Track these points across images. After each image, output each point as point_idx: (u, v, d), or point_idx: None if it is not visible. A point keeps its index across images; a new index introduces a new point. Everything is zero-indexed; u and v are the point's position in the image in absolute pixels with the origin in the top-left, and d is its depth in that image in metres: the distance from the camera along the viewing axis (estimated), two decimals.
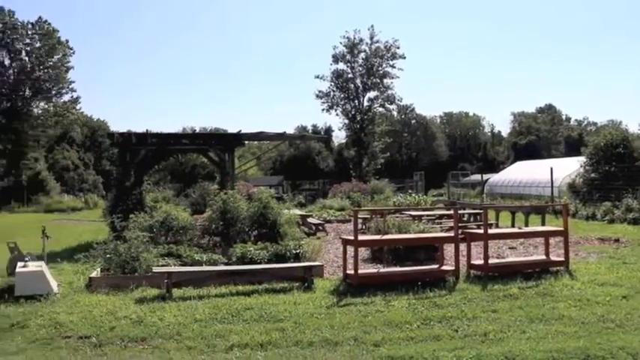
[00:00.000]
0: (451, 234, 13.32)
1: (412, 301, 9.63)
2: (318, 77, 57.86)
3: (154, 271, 11.42)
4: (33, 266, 11.09)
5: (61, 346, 7.71)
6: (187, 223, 16.53)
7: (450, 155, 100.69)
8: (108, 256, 12.45)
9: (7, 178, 59.70)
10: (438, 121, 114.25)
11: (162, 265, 12.19)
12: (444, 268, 11.96)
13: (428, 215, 20.39)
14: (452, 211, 16.02)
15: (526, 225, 19.72)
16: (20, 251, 12.89)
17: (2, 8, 58.86)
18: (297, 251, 13.43)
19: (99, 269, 12.38)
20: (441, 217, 20.98)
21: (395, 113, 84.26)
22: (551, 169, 30.98)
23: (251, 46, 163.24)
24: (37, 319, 8.90)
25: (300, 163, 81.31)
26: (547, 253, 13.14)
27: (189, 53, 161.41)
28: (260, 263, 12.63)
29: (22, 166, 58.94)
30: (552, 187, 30.98)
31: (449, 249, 12.98)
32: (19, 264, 11.29)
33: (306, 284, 10.92)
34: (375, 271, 12.40)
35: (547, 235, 13.78)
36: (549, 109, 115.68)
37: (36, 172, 58.55)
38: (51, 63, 60.57)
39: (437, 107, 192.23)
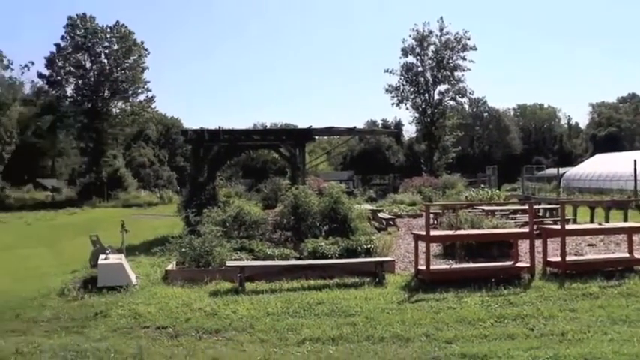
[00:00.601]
0: (526, 230, 12.93)
1: (485, 298, 9.42)
2: (387, 71, 57.47)
3: (227, 264, 11.65)
4: (113, 259, 11.54)
5: (140, 336, 8.00)
6: (259, 217, 16.74)
7: (524, 149, 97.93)
8: (183, 249, 12.79)
9: (88, 174, 62.41)
10: (512, 113, 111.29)
11: (236, 259, 12.40)
12: (519, 264, 11.63)
13: (501, 210, 19.88)
14: (527, 206, 15.57)
15: (606, 221, 18.90)
16: (102, 244, 13.41)
17: (84, 15, 61.51)
18: (369, 246, 13.38)
19: (174, 262, 12.74)
20: (515, 212, 20.39)
21: (466, 106, 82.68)
22: (635, 161, 29.48)
23: (320, 41, 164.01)
24: (117, 309, 9.26)
25: (371, 157, 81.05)
26: (630, 251, 12.53)
27: (259, 50, 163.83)
28: (331, 258, 12.66)
29: (102, 163, 61.37)
30: (636, 180, 29.54)
31: (523, 245, 12.63)
32: (101, 256, 11.76)
33: (377, 279, 10.87)
34: (448, 266, 12.21)
35: (630, 231, 13.14)
36: (632, 98, 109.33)
37: (115, 168, 60.86)
38: (127, 64, 62.73)
39: (510, 99, 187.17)
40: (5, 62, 68.03)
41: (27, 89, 71.29)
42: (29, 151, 73.05)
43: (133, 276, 11.31)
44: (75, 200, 53.66)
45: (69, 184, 69.12)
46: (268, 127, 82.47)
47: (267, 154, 58.61)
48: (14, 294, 10.68)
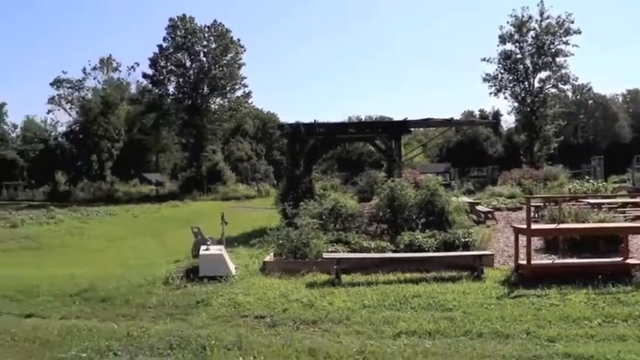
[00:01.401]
0: (638, 224, 12.18)
1: (591, 295, 8.92)
2: (484, 60, 55.85)
3: (323, 256, 11.75)
4: (214, 250, 11.91)
5: (239, 324, 8.23)
6: (355, 210, 16.76)
7: (634, 137, 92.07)
8: (280, 241, 13.03)
9: (189, 169, 64.86)
10: (620, 99, 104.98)
11: (332, 252, 12.49)
12: (630, 261, 10.94)
13: (609, 203, 18.82)
14: (638, 199, 14.65)
15: None
16: (203, 236, 13.87)
17: (184, 16, 63.94)
18: (466, 240, 13.08)
19: (272, 254, 12.99)
20: (624, 205, 19.24)
21: (569, 94, 79.13)
22: None
23: (415, 31, 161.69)
24: (218, 298, 9.57)
25: (468, 149, 79.10)
26: None
27: (353, 42, 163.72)
28: (428, 251, 12.48)
29: (202, 157, 63.58)
30: None
31: (634, 241, 11.90)
32: (202, 247, 12.17)
33: (475, 273, 10.60)
34: (550, 262, 11.70)
35: None
36: None
37: (214, 163, 62.89)
38: (225, 61, 64.58)
39: (618, 84, 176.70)
40: (114, 65, 72.15)
41: (133, 89, 75.30)
42: (135, 148, 76.94)
43: (232, 267, 11.63)
44: (177, 193, 55.91)
45: (171, 178, 72.03)
46: (363, 119, 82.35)
47: (362, 146, 58.60)
48: (124, 281, 11.26)
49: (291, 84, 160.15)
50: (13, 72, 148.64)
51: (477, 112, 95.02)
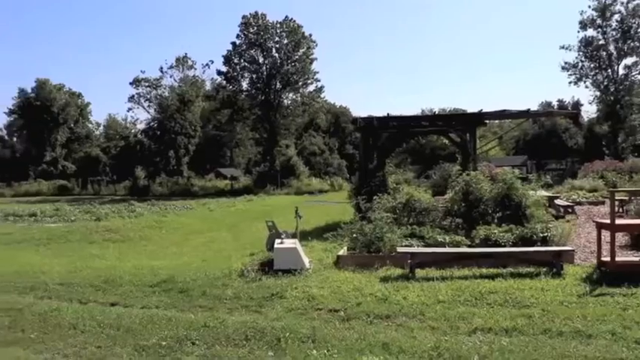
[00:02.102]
0: None
1: None
2: (563, 48, 53.93)
3: (397, 251, 11.66)
4: (288, 243, 12.03)
5: (313, 317, 8.28)
6: (429, 204, 16.55)
7: None
8: (354, 235, 13.02)
9: (263, 164, 65.89)
10: None
11: (406, 246, 12.38)
12: None
13: None
14: None
15: None
16: (277, 229, 14.02)
17: (256, 13, 64.97)
18: (545, 235, 12.66)
19: (345, 248, 13.01)
20: None
21: None
22: None
23: (490, 20, 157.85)
24: (292, 291, 9.66)
25: (546, 141, 76.58)
26: None
27: (425, 35, 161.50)
28: (504, 246, 12.17)
29: (276, 152, 64.45)
30: None
31: None
32: (277, 241, 12.31)
33: (554, 270, 10.25)
34: (637, 259, 11.18)
35: None
36: None
37: (287, 157, 63.66)
38: (297, 57, 65.18)
39: None
40: (189, 63, 74.15)
41: (208, 86, 77.07)
42: (211, 143, 78.86)
43: (306, 260, 11.72)
44: (251, 188, 56.91)
45: (246, 173, 73.36)
46: (437, 112, 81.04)
47: (436, 139, 57.76)
48: (201, 273, 11.56)
49: (363, 78, 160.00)
50: (97, 73, 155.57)
51: (555, 103, 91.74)
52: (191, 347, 7.18)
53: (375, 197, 16.34)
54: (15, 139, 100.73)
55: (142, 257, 16.07)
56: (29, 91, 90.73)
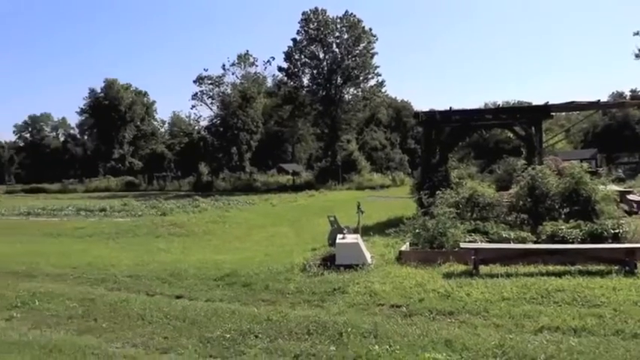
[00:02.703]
0: None
1: None
2: (637, 34, 51.51)
3: (461, 246, 11.48)
4: (350, 238, 12.04)
5: (375, 312, 8.26)
6: (493, 199, 16.21)
7: None
8: (416, 231, 12.90)
9: (324, 159, 66.07)
10: None
11: (469, 241, 12.16)
12: None
13: None
14: None
15: None
16: (339, 224, 14.06)
17: (316, 9, 65.09)
18: (616, 231, 12.19)
19: (408, 243, 12.90)
20: None
21: None
22: None
23: (555, 8, 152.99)
24: (354, 286, 9.65)
25: (617, 133, 73.63)
26: None
27: (488, 27, 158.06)
28: (572, 243, 11.80)
29: (337, 147, 64.51)
30: None
31: None
32: (339, 236, 12.34)
33: (627, 268, 9.84)
34: None
35: None
36: None
37: (349, 152, 63.58)
38: (357, 51, 65.00)
39: None
40: (251, 60, 75.07)
41: (269, 82, 77.86)
42: (272, 139, 79.66)
43: (368, 255, 11.69)
44: (313, 183, 57.13)
45: (307, 168, 73.78)
46: (500, 105, 79.34)
47: (500, 133, 56.45)
48: (264, 268, 11.70)
49: (425, 71, 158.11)
50: (161, 73, 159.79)
51: (627, 93, 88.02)
52: (254, 340, 7.29)
53: (437, 192, 16.10)
54: (86, 137, 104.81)
55: (206, 251, 16.39)
56: (98, 91, 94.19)
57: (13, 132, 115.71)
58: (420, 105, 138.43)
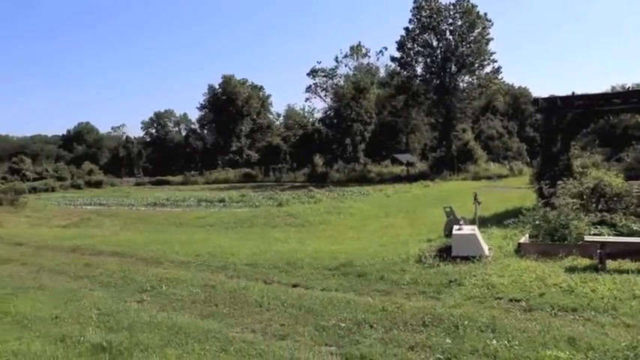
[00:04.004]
0: None
1: None
2: None
3: (585, 239, 10.88)
4: (467, 230, 11.78)
5: (493, 306, 8.02)
6: (622, 189, 15.19)
7: None
8: (536, 222, 12.40)
9: (439, 149, 64.97)
10: None
11: (595, 234, 11.50)
12: None
13: None
14: None
15: None
16: (455, 215, 13.82)
17: None
18: None
19: (527, 235, 12.42)
20: None
21: None
22: None
23: None
24: (471, 278, 9.43)
25: None
26: None
27: (611, 3, 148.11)
28: None
29: (452, 137, 63.19)
30: None
31: None
32: (455, 227, 12.10)
33: None
34: None
35: None
36: None
37: (464, 142, 62.03)
38: (472, 38, 63.09)
39: None
40: (363, 51, 75.23)
41: (382, 73, 77.65)
42: (386, 129, 79.34)
43: (485, 247, 11.39)
44: (427, 173, 56.43)
45: (421, 159, 72.84)
46: (631, 88, 74.09)
47: (629, 118, 52.84)
48: (379, 258, 11.71)
49: (544, 55, 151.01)
50: (276, 67, 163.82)
51: None
52: (369, 330, 7.32)
53: (559, 182, 15.35)
54: (206, 131, 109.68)
55: (322, 241, 16.65)
56: (217, 87, 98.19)
57: (141, 128, 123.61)
58: (540, 91, 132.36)
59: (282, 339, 7.23)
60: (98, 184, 72.36)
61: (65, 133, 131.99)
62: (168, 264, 13.28)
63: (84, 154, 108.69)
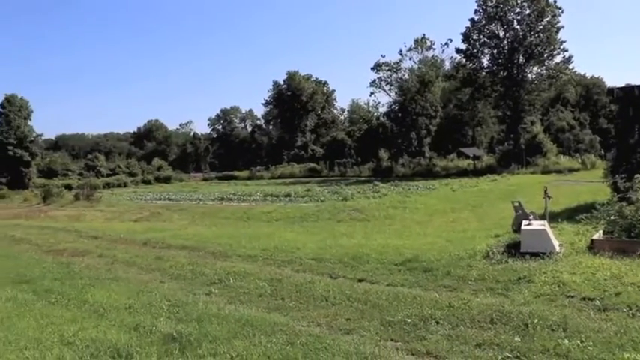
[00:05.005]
0: None
1: None
2: None
3: None
4: (536, 225, 11.45)
5: (564, 304, 7.76)
6: None
7: None
8: (611, 218, 11.90)
9: (507, 142, 63.48)
10: None
11: None
12: None
13: None
14: None
15: None
16: (524, 210, 13.47)
17: None
18: None
19: (601, 231, 11.95)
20: None
21: None
22: None
23: None
24: (541, 275, 9.16)
25: None
26: None
27: None
28: None
29: (520, 130, 61.59)
30: None
31: None
32: (524, 222, 11.79)
33: None
34: None
35: None
36: None
37: (533, 135, 60.39)
38: (541, 27, 61.01)
39: None
40: (428, 44, 74.36)
41: (447, 65, 76.49)
42: (452, 123, 78.24)
43: (556, 243, 11.04)
44: (494, 167, 55.31)
45: (488, 152, 71.49)
46: None
47: None
48: (445, 253, 11.55)
49: (619, 43, 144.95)
50: (340, 62, 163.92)
51: None
52: (435, 326, 7.24)
53: (636, 176, 14.69)
54: (271, 126, 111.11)
55: (387, 236, 16.55)
56: (281, 83, 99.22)
57: (208, 125, 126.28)
58: (614, 81, 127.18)
59: (348, 333, 7.24)
60: (167, 180, 74.63)
61: (136, 130, 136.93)
62: (235, 258, 13.52)
63: (154, 151, 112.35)
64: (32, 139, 72.79)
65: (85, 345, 6.97)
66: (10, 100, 71.24)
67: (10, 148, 67.99)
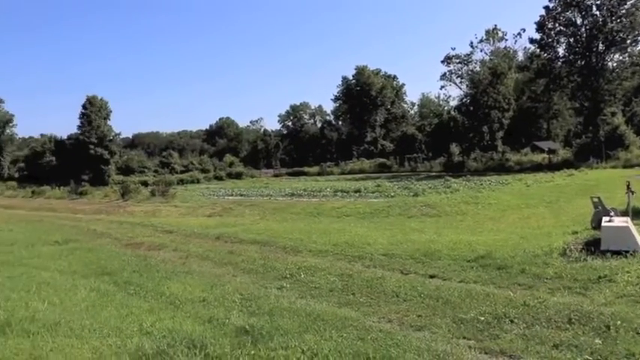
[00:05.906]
0: None
1: None
2: None
3: None
4: (618, 222, 10.97)
5: None
6: None
7: None
8: None
9: (584, 135, 61.08)
10: None
11: None
12: None
13: None
14: None
15: None
16: (604, 206, 12.95)
17: None
18: None
19: None
20: None
21: None
22: None
23: None
24: (624, 274, 8.78)
25: None
26: None
27: None
28: None
29: (599, 122, 59.07)
30: None
31: None
32: (604, 219, 11.33)
33: None
34: None
35: None
36: None
37: (613, 127, 57.77)
38: (623, 11, 58.00)
39: None
40: (499, 35, 72.52)
41: (520, 56, 74.42)
42: (525, 116, 76.04)
43: None
44: (571, 161, 53.34)
45: (565, 146, 69.04)
46: None
47: None
48: (519, 250, 11.25)
49: None
50: (409, 55, 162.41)
51: None
52: (509, 325, 7.06)
53: None
54: (340, 122, 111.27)
55: (459, 232, 16.28)
56: (350, 78, 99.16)
57: (278, 121, 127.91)
58: None
59: (419, 330, 7.17)
60: (238, 176, 75.95)
61: (208, 127, 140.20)
62: (306, 253, 13.62)
63: (225, 147, 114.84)
64: (111, 137, 76.18)
65: (162, 335, 7.18)
66: (91, 101, 74.81)
67: (92, 147, 71.50)
